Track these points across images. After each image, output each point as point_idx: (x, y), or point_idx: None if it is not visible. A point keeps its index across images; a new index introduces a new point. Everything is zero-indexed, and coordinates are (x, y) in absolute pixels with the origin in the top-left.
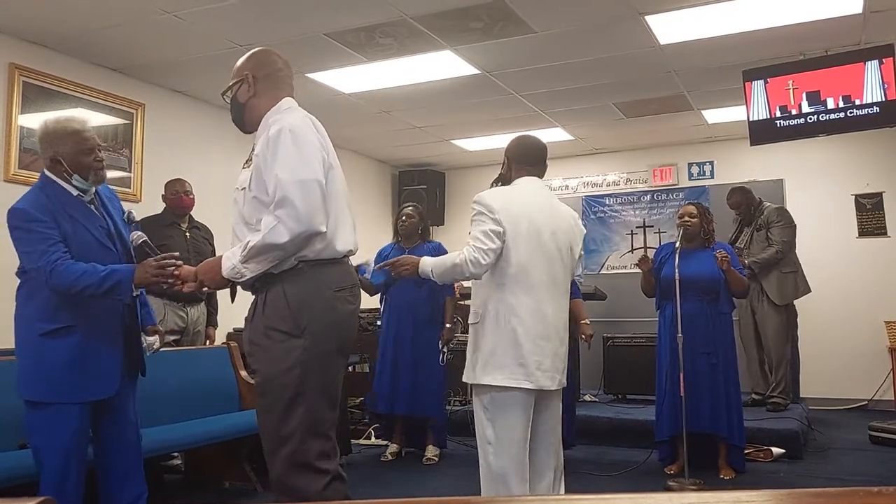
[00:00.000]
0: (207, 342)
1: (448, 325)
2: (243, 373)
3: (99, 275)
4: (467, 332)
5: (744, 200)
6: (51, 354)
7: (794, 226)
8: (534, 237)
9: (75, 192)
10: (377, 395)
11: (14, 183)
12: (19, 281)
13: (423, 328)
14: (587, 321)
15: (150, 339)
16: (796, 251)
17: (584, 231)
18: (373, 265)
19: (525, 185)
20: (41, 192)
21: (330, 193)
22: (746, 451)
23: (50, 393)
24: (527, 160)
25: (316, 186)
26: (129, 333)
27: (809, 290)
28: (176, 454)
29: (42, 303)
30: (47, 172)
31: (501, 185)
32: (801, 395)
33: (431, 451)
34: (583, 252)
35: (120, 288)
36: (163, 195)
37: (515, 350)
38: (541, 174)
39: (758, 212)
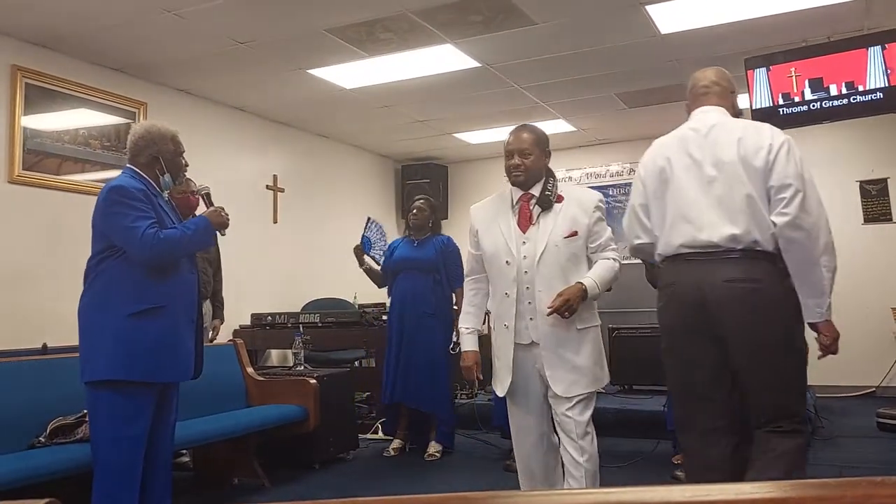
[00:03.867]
0: (212, 333)
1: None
2: (250, 369)
3: (191, 227)
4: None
5: None
6: (142, 334)
7: None
8: None
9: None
10: (384, 388)
11: (18, 184)
12: (91, 269)
13: (425, 319)
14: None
15: None
16: None
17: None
18: (380, 242)
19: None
20: (133, 179)
21: (668, 201)
22: None
23: (136, 372)
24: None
25: (630, 212)
26: (196, 330)
27: None
28: (185, 451)
29: (131, 285)
30: (134, 168)
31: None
32: (807, 383)
33: (433, 448)
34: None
35: (209, 231)
36: (169, 195)
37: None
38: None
39: None
